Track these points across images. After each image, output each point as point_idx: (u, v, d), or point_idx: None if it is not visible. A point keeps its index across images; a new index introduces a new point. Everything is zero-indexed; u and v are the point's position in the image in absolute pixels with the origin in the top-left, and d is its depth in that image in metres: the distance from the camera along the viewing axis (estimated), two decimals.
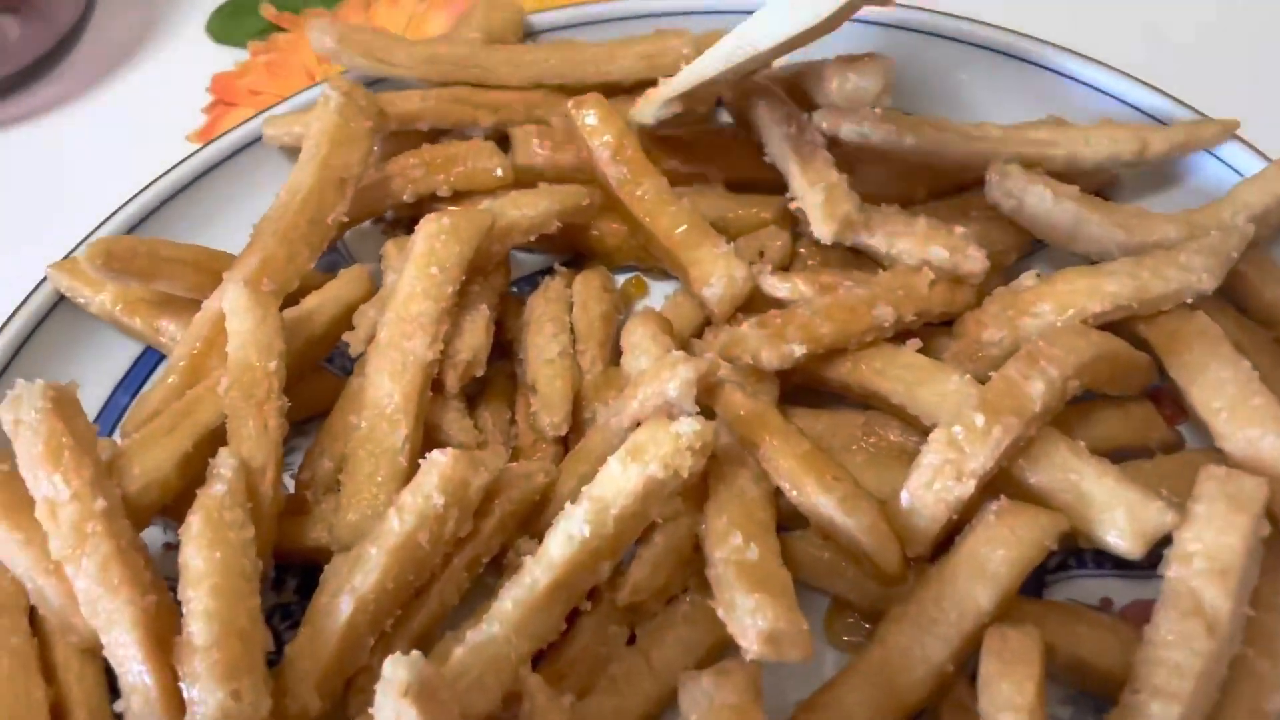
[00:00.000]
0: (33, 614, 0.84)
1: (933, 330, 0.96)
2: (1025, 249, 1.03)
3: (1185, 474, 0.82)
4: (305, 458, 0.94)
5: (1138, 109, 1.08)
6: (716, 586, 0.80)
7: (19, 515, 0.81)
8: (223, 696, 0.73)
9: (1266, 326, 0.96)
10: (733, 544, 0.81)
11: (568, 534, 0.79)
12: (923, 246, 0.95)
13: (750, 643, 0.76)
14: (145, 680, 0.76)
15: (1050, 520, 0.79)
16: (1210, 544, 0.75)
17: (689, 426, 0.78)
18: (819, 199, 0.95)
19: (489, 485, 0.85)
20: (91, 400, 1.02)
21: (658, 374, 0.86)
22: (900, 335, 0.94)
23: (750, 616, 0.76)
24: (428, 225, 0.95)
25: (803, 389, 0.95)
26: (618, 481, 0.79)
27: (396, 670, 0.71)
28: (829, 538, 0.85)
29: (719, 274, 0.98)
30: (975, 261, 0.92)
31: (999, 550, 0.78)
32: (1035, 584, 0.86)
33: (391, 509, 0.81)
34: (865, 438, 0.92)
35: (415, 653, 0.71)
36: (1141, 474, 0.85)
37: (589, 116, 1.06)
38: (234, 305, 0.90)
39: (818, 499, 0.81)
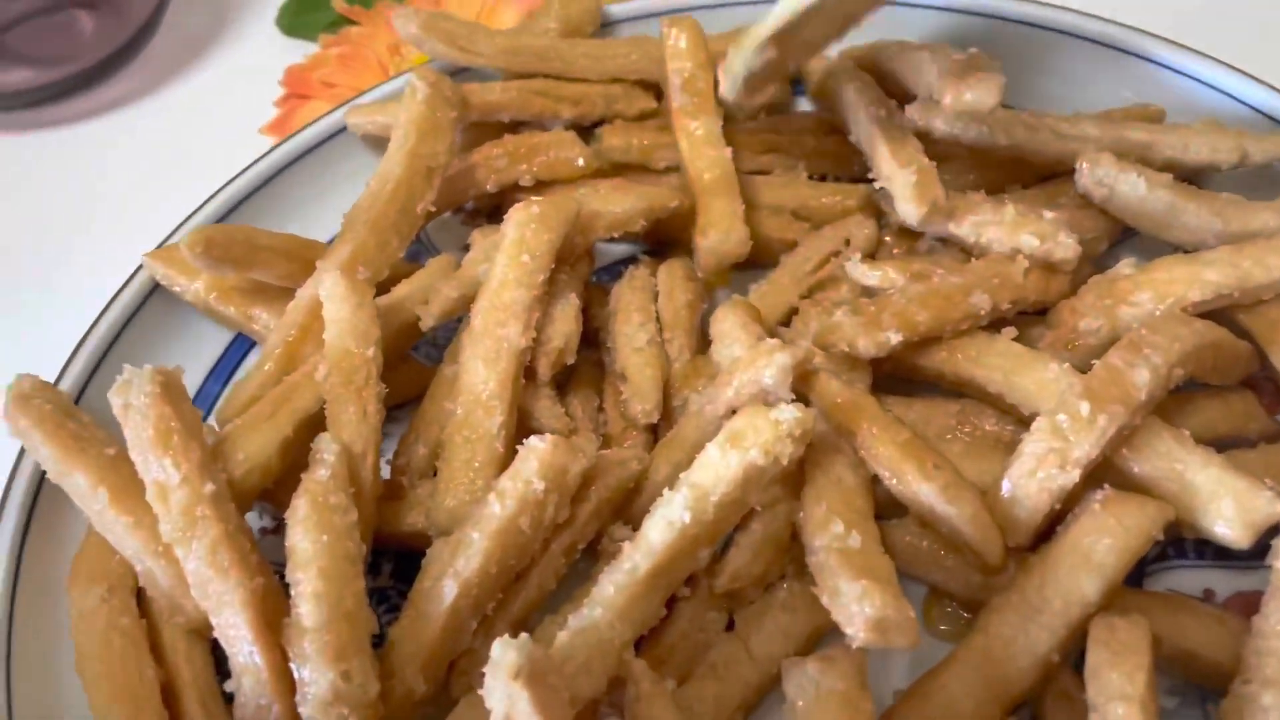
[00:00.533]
0: (139, 595, 0.86)
1: (1026, 320, 0.96)
2: (1115, 236, 1.02)
3: None
4: (400, 444, 0.95)
5: (1244, 103, 1.06)
6: (819, 573, 0.80)
7: (128, 499, 0.83)
8: (334, 677, 0.75)
9: None
10: (834, 531, 0.81)
11: (668, 520, 0.80)
12: (1013, 234, 0.94)
13: (857, 629, 0.76)
14: (256, 660, 0.77)
15: (1157, 510, 0.78)
16: None
17: (789, 413, 0.78)
18: (910, 179, 0.94)
19: (585, 472, 0.85)
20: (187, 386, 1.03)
21: (753, 361, 0.86)
22: (994, 324, 0.93)
23: (856, 603, 0.76)
24: (517, 214, 0.95)
25: (893, 378, 0.95)
26: (718, 468, 0.79)
27: (506, 653, 0.71)
28: (927, 526, 0.84)
29: (721, 229, 1.01)
30: (1068, 248, 0.91)
31: (1105, 539, 0.77)
32: (1135, 575, 0.85)
33: (492, 494, 0.82)
34: (960, 427, 0.91)
35: (524, 635, 0.72)
36: (1245, 464, 0.84)
37: (679, 40, 1.07)
38: (331, 292, 0.91)
39: (919, 487, 0.81)
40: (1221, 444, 0.87)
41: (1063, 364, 0.87)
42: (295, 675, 0.76)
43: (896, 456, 0.82)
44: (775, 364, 0.85)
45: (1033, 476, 0.80)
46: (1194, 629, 0.78)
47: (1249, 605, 0.82)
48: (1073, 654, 0.78)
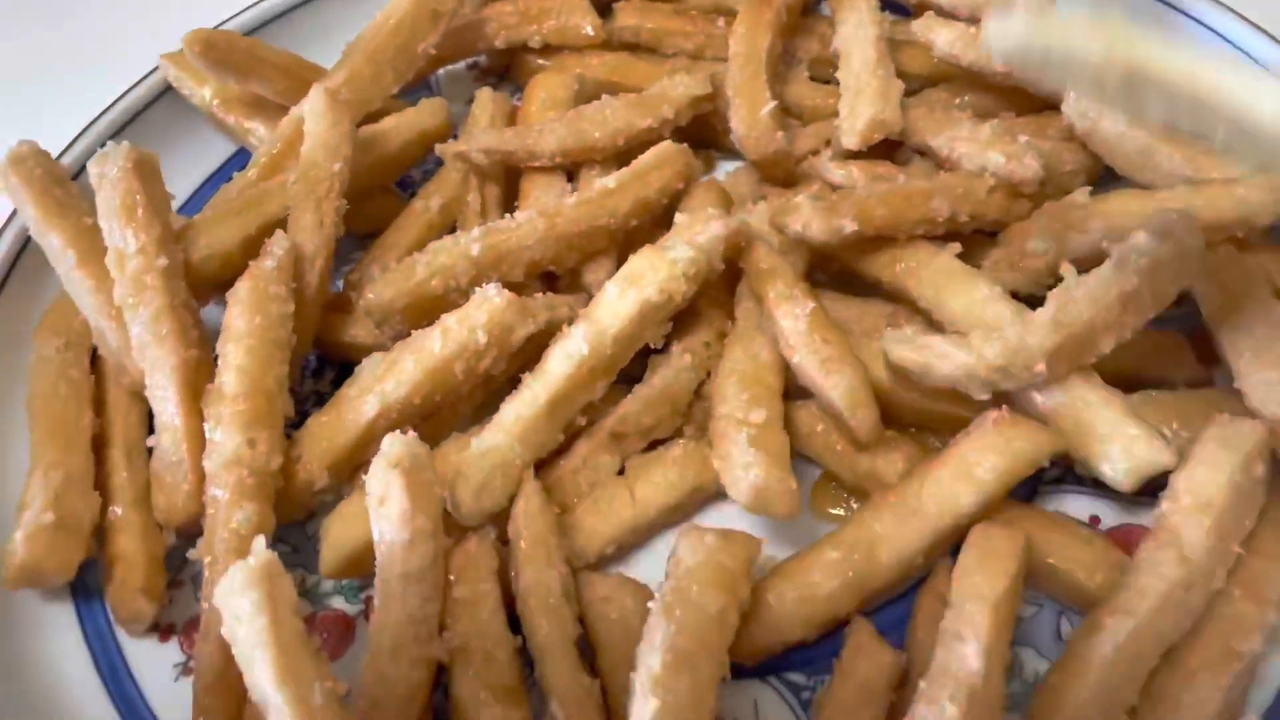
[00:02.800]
0: (94, 357, 0.93)
1: (981, 242, 0.96)
2: (1094, 176, 1.01)
3: (1206, 413, 0.81)
4: (357, 264, 1.00)
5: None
6: (716, 438, 0.83)
7: (93, 264, 0.89)
8: (240, 442, 0.81)
9: None
10: (738, 402, 0.84)
11: (567, 353, 0.84)
12: (982, 151, 0.94)
13: (741, 495, 0.80)
14: (175, 421, 0.84)
15: (1047, 439, 0.79)
16: (1197, 480, 0.75)
17: (684, 253, 0.81)
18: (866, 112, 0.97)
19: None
20: (184, 186, 1.11)
21: (690, 226, 0.89)
22: (948, 237, 0.94)
23: (744, 470, 0.80)
24: None
25: (839, 280, 0.97)
26: (615, 305, 0.83)
27: (393, 446, 0.77)
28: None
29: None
30: (1029, 170, 0.91)
31: (990, 456, 0.78)
32: (1029, 491, 0.86)
33: (436, 328, 0.86)
34: (889, 328, 0.92)
35: (413, 434, 0.77)
36: (1158, 406, 0.84)
37: None
38: (312, 108, 0.96)
39: (804, 357, 0.83)
40: (1145, 383, 0.87)
41: (994, 287, 0.87)
42: (207, 437, 0.82)
43: (793, 328, 0.84)
44: (709, 230, 0.88)
45: (928, 370, 0.81)
46: (1063, 546, 0.79)
47: (1129, 538, 0.84)
48: (941, 560, 0.80)
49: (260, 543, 0.72)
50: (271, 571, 0.70)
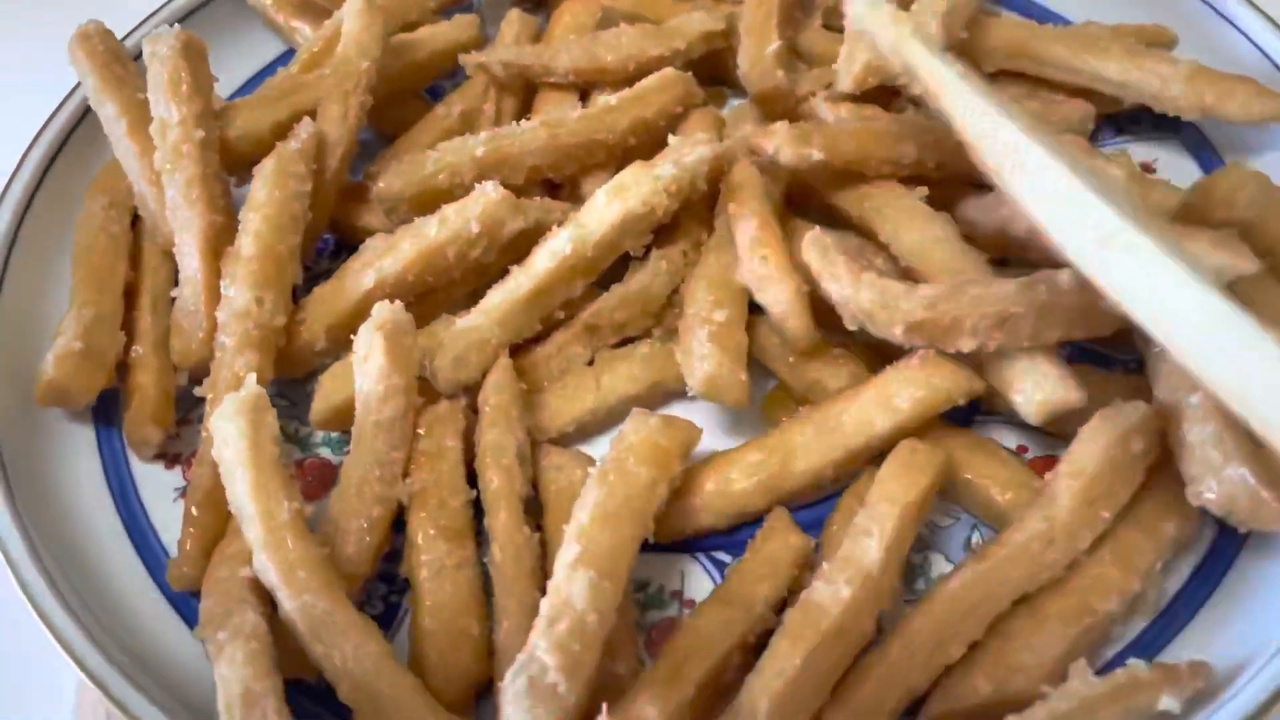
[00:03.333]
0: (136, 217, 1.03)
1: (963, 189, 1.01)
2: (1085, 134, 1.06)
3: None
4: (379, 158, 1.09)
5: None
6: (681, 334, 0.91)
7: (140, 132, 0.99)
8: (250, 298, 0.90)
9: None
10: (705, 303, 0.91)
11: (552, 250, 0.92)
12: None
13: (695, 381, 0.87)
14: (196, 276, 0.94)
15: (966, 379, 0.84)
16: (1077, 450, 0.80)
17: (668, 170, 0.88)
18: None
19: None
20: (238, 76, 1.20)
21: (678, 147, 0.96)
22: (922, 181, 0.99)
23: (699, 360, 0.87)
24: None
25: (819, 217, 1.03)
26: (601, 212, 0.91)
27: (381, 310, 0.86)
28: None
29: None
30: None
31: (910, 389, 0.84)
32: (964, 419, 0.92)
33: (436, 216, 0.94)
34: (855, 260, 0.98)
35: (399, 303, 0.86)
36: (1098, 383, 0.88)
37: None
38: (349, 10, 1.05)
39: (749, 267, 0.89)
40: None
41: (949, 229, 0.93)
42: (222, 292, 0.92)
43: (742, 241, 0.90)
44: (695, 152, 0.95)
45: (819, 281, 0.87)
46: (981, 464, 0.85)
47: (1051, 466, 0.89)
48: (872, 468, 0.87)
49: (251, 379, 0.82)
50: (258, 404, 0.80)
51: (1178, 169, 1.07)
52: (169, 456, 0.94)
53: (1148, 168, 1.08)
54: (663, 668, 0.74)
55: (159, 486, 0.91)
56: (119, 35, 1.09)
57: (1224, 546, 0.82)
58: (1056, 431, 0.88)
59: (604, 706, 0.69)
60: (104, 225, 1.00)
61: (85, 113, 1.07)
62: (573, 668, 0.69)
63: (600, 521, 0.76)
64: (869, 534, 0.78)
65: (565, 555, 0.75)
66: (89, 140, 1.07)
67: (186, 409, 0.96)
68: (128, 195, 1.02)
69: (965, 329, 0.83)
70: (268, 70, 1.21)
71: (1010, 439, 0.92)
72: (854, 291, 0.86)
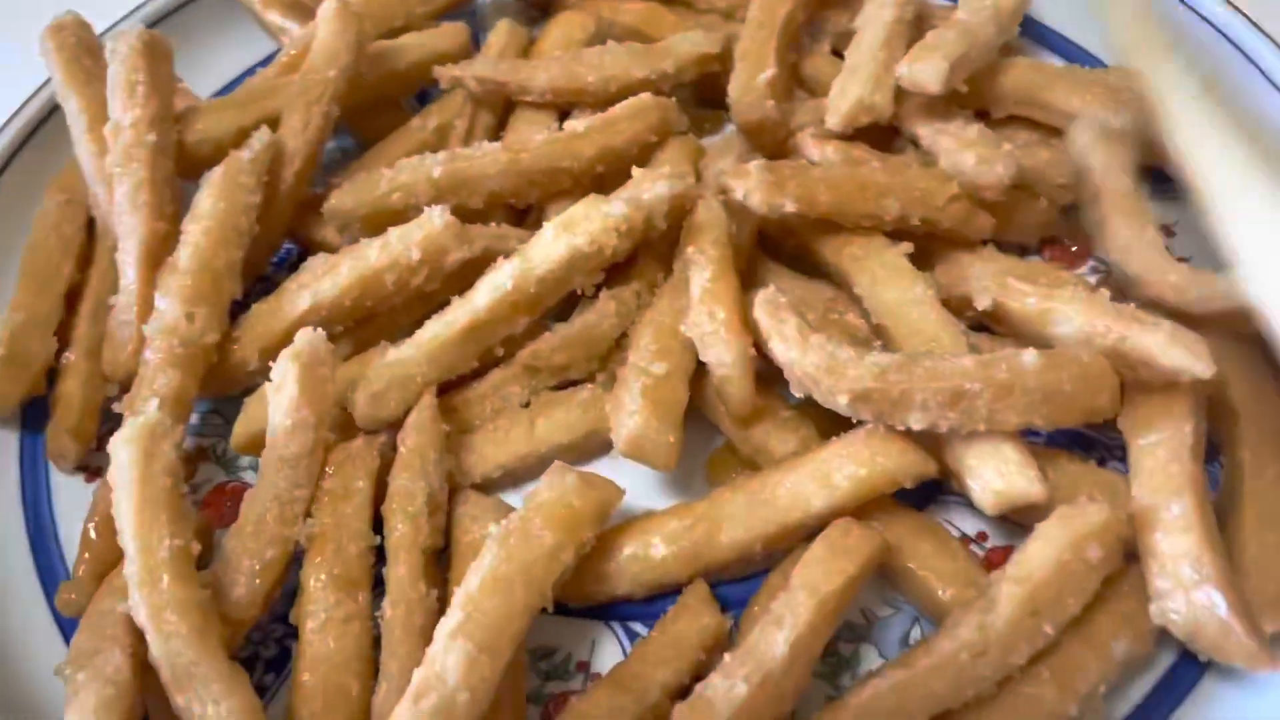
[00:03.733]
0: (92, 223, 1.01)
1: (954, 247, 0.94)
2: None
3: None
4: (347, 170, 1.05)
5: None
6: (617, 385, 0.85)
7: (99, 132, 0.97)
8: (180, 314, 0.87)
9: None
10: (646, 352, 0.85)
11: (494, 284, 0.87)
12: (960, 149, 0.92)
13: (619, 439, 0.82)
14: (132, 286, 0.91)
15: (915, 461, 0.78)
16: (1028, 552, 0.73)
17: (619, 209, 0.82)
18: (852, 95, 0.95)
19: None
20: (221, 76, 1.18)
21: (640, 182, 0.90)
22: (904, 234, 0.92)
23: (629, 415, 0.82)
24: None
25: (793, 258, 0.97)
26: (548, 248, 0.85)
27: (302, 338, 0.82)
28: None
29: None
30: (994, 176, 0.89)
31: (850, 465, 0.78)
32: (923, 498, 0.85)
33: (379, 240, 0.90)
34: (827, 313, 0.92)
35: (320, 332, 0.82)
36: (1071, 477, 0.81)
37: None
38: (323, 15, 1.01)
39: (694, 320, 0.83)
40: None
41: (929, 292, 0.86)
42: (156, 304, 0.89)
43: (699, 290, 0.84)
44: (654, 189, 0.89)
45: (768, 340, 0.81)
46: (927, 554, 0.78)
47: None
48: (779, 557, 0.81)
49: (153, 405, 0.79)
50: (154, 431, 0.77)
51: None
52: (91, 470, 0.91)
53: (1168, 230, 0.99)
54: None
55: (74, 501, 0.89)
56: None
57: (1182, 674, 0.74)
58: (1021, 520, 0.81)
59: None
60: (57, 223, 0.98)
61: (55, 107, 1.05)
62: None
63: (490, 588, 0.71)
64: (779, 624, 0.71)
65: (447, 623, 0.70)
66: (58, 135, 1.05)
67: (116, 422, 0.93)
68: (84, 194, 1.00)
69: (915, 403, 0.76)
70: (254, 70, 1.18)
71: (970, 524, 0.85)
72: (800, 355, 0.79)
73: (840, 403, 0.78)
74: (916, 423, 0.76)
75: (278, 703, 0.79)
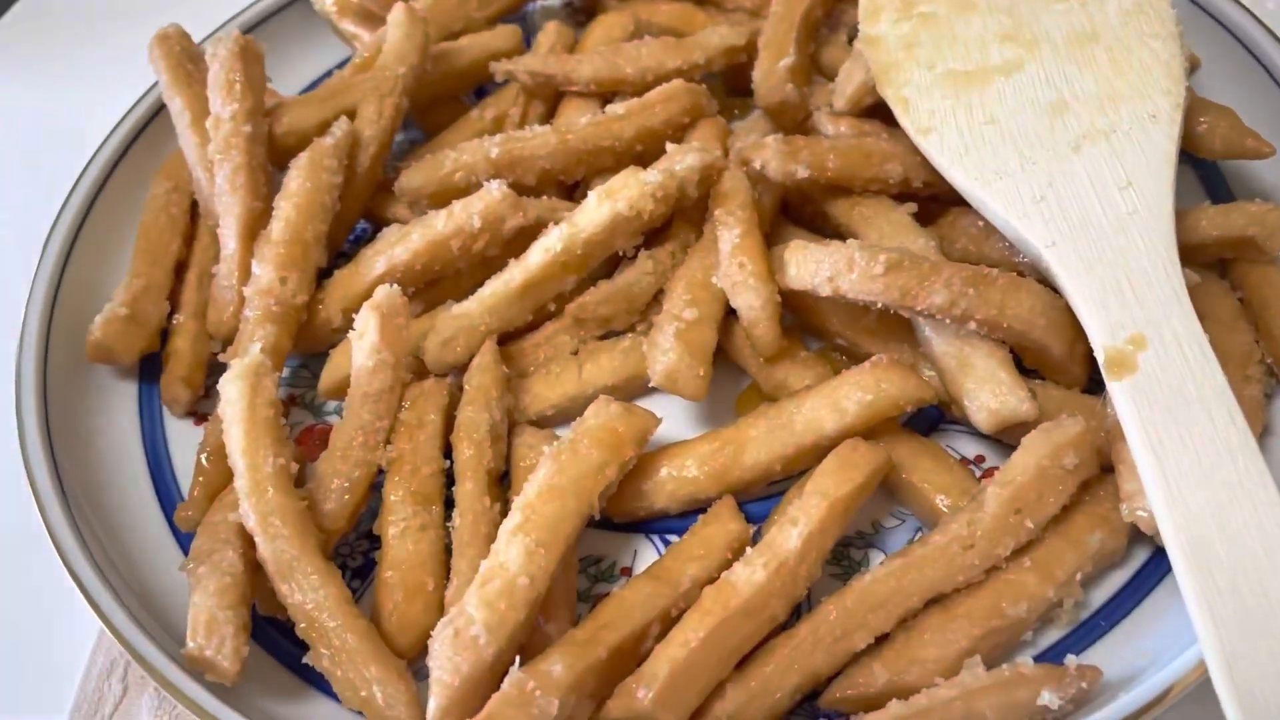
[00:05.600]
0: (194, 204, 1.15)
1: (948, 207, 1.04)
2: None
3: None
4: (412, 154, 1.18)
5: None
6: (654, 330, 0.97)
7: (200, 126, 1.11)
8: (275, 277, 1.00)
9: None
10: (680, 302, 0.97)
11: (544, 246, 0.99)
12: None
13: (654, 373, 0.93)
14: (233, 255, 1.04)
15: (916, 386, 0.88)
16: (1013, 460, 0.83)
17: (655, 176, 0.94)
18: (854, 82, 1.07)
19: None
20: (303, 78, 1.32)
21: (672, 156, 1.02)
22: (909, 196, 1.03)
23: (662, 353, 0.93)
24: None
25: (812, 225, 1.07)
26: (591, 213, 0.98)
27: (380, 292, 0.94)
28: None
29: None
30: None
31: (859, 392, 0.88)
32: (927, 426, 0.95)
33: (445, 211, 1.03)
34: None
35: (396, 287, 0.95)
36: (1052, 400, 0.90)
37: None
38: (393, 19, 1.15)
39: (727, 270, 0.95)
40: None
41: (930, 243, 0.96)
42: (253, 270, 1.02)
43: (729, 247, 0.96)
44: (686, 160, 1.01)
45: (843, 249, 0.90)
46: (926, 469, 0.88)
47: None
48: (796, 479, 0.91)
49: (255, 348, 0.92)
50: (259, 369, 0.90)
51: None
52: (199, 415, 1.05)
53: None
54: (582, 632, 0.80)
55: (186, 441, 1.03)
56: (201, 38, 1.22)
57: (1154, 567, 0.83)
58: (1013, 442, 0.90)
59: (517, 659, 0.76)
60: (165, 206, 1.13)
61: (162, 107, 1.20)
62: (497, 624, 0.76)
63: (545, 495, 0.83)
64: (794, 523, 0.82)
65: (508, 523, 0.82)
66: (164, 131, 1.19)
67: (219, 373, 1.06)
68: (188, 180, 1.14)
69: (942, 277, 0.86)
70: (331, 71, 1.32)
71: (970, 448, 0.95)
72: (839, 247, 0.89)
73: (876, 272, 0.86)
74: (939, 297, 0.85)
75: (363, 604, 0.91)
